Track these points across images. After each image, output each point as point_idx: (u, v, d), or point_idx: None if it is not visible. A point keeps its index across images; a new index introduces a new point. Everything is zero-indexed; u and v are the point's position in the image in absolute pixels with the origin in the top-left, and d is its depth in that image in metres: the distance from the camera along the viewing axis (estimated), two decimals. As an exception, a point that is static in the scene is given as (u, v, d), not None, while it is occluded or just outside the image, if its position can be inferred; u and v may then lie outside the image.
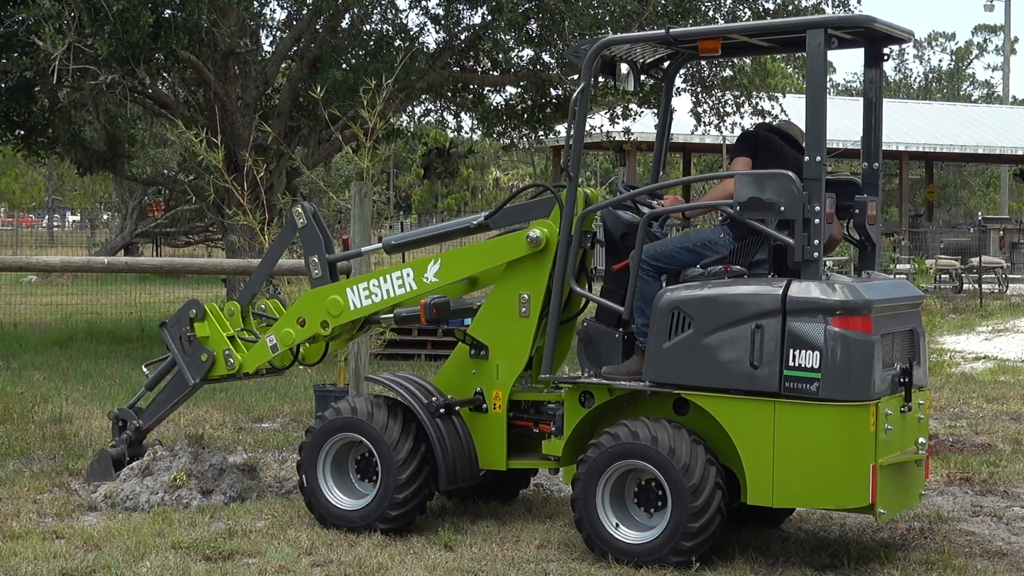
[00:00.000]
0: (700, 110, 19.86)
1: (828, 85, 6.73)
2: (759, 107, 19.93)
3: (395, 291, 7.74)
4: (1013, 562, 7.05)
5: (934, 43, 72.81)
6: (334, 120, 13.52)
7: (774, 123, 7.72)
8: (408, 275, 7.70)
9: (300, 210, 8.06)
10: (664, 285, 6.98)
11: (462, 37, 18.24)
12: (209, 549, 6.97)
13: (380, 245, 8.23)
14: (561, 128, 22.82)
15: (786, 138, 7.38)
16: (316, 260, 8.01)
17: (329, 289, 7.91)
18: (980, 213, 45.43)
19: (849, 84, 69.22)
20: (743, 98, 19.75)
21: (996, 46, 69.68)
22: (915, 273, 21.93)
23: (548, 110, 19.55)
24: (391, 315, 7.95)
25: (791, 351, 6.45)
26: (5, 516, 7.68)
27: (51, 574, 6.52)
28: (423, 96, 19.00)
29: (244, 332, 8.27)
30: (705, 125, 20.17)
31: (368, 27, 17.86)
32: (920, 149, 35.84)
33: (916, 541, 7.43)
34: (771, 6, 18.07)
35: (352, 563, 6.77)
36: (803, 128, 7.02)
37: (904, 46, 39.11)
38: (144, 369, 8.89)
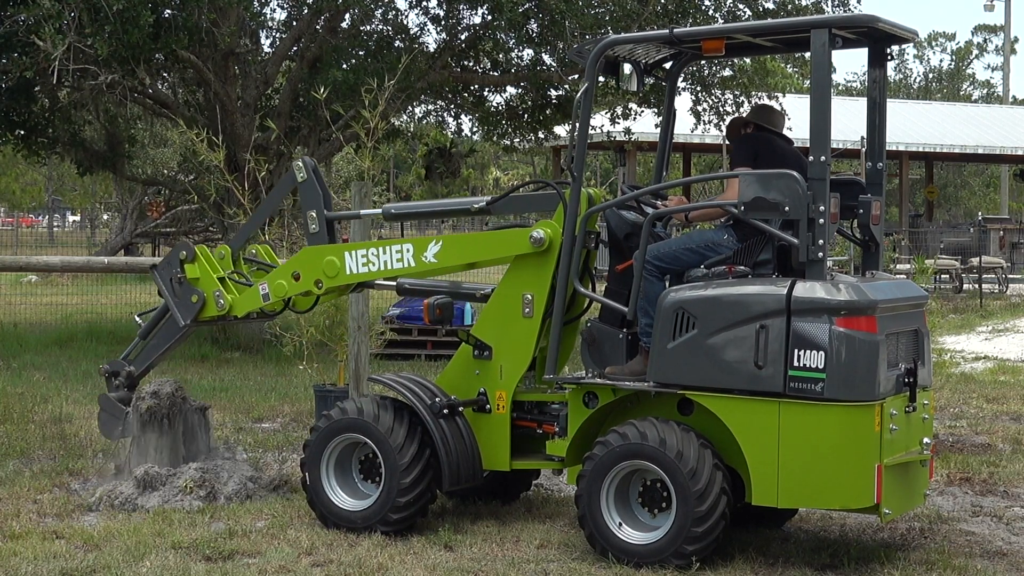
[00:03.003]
0: (700, 109, 19.86)
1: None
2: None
3: (392, 264, 7.75)
4: (1013, 562, 7.05)
5: (934, 43, 72.82)
6: (335, 119, 13.50)
7: (748, 115, 7.64)
8: (408, 251, 7.71)
9: (300, 164, 8.06)
10: (668, 285, 6.97)
11: (462, 37, 18.23)
12: (209, 549, 6.96)
13: (380, 211, 8.22)
14: (561, 129, 22.81)
15: (778, 134, 7.37)
16: (314, 215, 8.00)
17: (328, 249, 7.92)
18: (980, 213, 45.42)
19: (850, 84, 69.23)
20: (743, 97, 19.75)
21: (996, 46, 69.69)
22: (915, 273, 21.91)
23: (548, 111, 19.53)
24: (391, 282, 7.94)
25: (796, 351, 6.44)
26: (5, 516, 7.67)
27: (51, 574, 6.51)
28: (423, 96, 18.98)
29: (235, 275, 8.27)
30: (705, 124, 20.16)
31: (368, 27, 17.84)
32: (920, 149, 35.84)
33: (916, 541, 7.43)
34: (771, 5, 18.07)
35: (352, 563, 6.77)
36: (782, 116, 7.01)
37: (904, 46, 39.13)
38: (137, 319, 8.88)
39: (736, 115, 18.84)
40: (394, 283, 8.05)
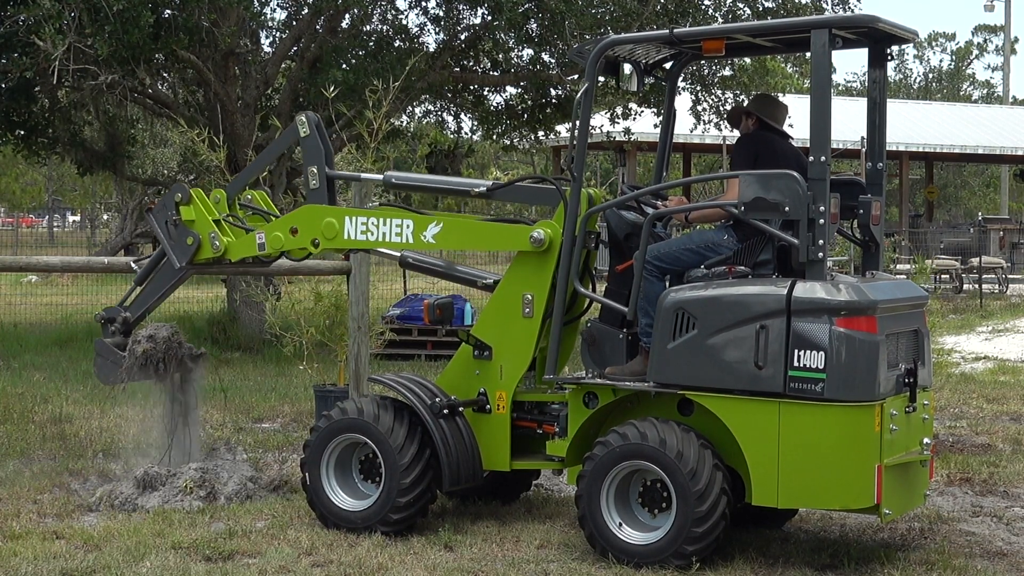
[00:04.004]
0: (700, 109, 19.87)
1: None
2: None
3: (391, 237, 7.74)
4: (1013, 562, 7.05)
5: (934, 43, 72.77)
6: (337, 118, 13.50)
7: (750, 104, 7.59)
8: (408, 227, 7.69)
9: (304, 119, 8.01)
10: (668, 286, 6.97)
11: (462, 37, 18.24)
12: (209, 549, 6.96)
13: (381, 177, 8.20)
14: (561, 128, 22.81)
15: (780, 133, 7.35)
16: (315, 171, 7.96)
17: (329, 211, 7.89)
18: (980, 213, 45.43)
19: (850, 84, 69.21)
20: (743, 97, 19.75)
21: (996, 46, 69.65)
22: (914, 273, 21.94)
23: (548, 110, 19.54)
24: (394, 252, 7.94)
25: (796, 351, 6.44)
26: (5, 516, 7.67)
27: (51, 574, 6.51)
28: (423, 96, 18.99)
29: (230, 218, 8.24)
30: (705, 124, 20.17)
31: (368, 27, 17.85)
32: (920, 149, 35.84)
33: (916, 541, 7.43)
34: (771, 5, 18.06)
35: (352, 563, 6.76)
36: (784, 108, 7.01)
37: (904, 46, 39.15)
38: (133, 265, 8.88)
39: (739, 103, 18.83)
40: (395, 253, 8.02)
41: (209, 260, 8.23)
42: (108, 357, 8.35)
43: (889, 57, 7.25)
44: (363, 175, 8.62)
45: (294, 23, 17.94)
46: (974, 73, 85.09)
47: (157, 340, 8.25)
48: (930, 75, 72.31)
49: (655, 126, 21.20)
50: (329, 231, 7.84)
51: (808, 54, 6.74)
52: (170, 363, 8.30)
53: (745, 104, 7.66)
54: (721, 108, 19.82)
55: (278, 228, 8.01)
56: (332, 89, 10.93)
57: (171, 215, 8.21)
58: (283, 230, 7.97)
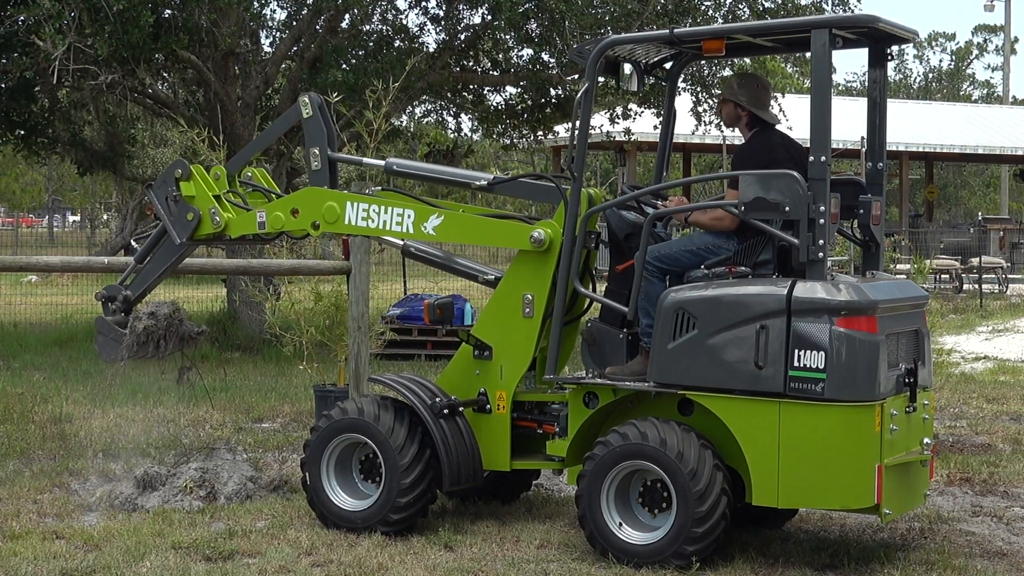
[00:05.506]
0: (700, 110, 19.86)
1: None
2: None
3: (391, 226, 7.73)
4: (1013, 562, 7.05)
5: (934, 43, 72.75)
6: (337, 118, 13.52)
7: (739, 91, 7.44)
8: (409, 217, 7.68)
9: (307, 100, 8.00)
10: (668, 286, 6.97)
11: (462, 37, 18.24)
12: (209, 549, 6.96)
13: (383, 163, 8.18)
14: (561, 128, 22.80)
15: (773, 124, 7.32)
16: (317, 152, 7.95)
17: (331, 194, 7.87)
18: (980, 213, 45.43)
19: (850, 84, 69.21)
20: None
21: (996, 46, 69.61)
22: (913, 273, 21.94)
23: (548, 110, 19.53)
24: (397, 240, 7.92)
25: (796, 351, 6.44)
26: (5, 516, 7.67)
27: (51, 574, 6.51)
28: (423, 96, 19.00)
29: (231, 195, 8.21)
30: (705, 125, 20.16)
31: (368, 27, 17.85)
32: (920, 149, 35.84)
33: (916, 541, 7.44)
34: (771, 5, 18.05)
35: (352, 563, 6.77)
36: (769, 88, 7.12)
37: (904, 46, 39.15)
38: (133, 243, 8.89)
39: (727, 85, 18.66)
40: (398, 241, 8.00)
41: (210, 235, 8.21)
42: (108, 334, 8.34)
43: (889, 57, 7.25)
44: (365, 159, 8.60)
45: (294, 23, 17.94)
46: (974, 73, 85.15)
47: (158, 317, 8.24)
48: (930, 75, 72.30)
49: (655, 126, 21.18)
50: (330, 215, 7.83)
51: (808, 54, 6.74)
52: (171, 340, 8.28)
53: (731, 82, 7.53)
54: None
55: (279, 208, 8.00)
56: (335, 96, 10.91)
57: (171, 191, 8.19)
58: (284, 210, 7.96)
